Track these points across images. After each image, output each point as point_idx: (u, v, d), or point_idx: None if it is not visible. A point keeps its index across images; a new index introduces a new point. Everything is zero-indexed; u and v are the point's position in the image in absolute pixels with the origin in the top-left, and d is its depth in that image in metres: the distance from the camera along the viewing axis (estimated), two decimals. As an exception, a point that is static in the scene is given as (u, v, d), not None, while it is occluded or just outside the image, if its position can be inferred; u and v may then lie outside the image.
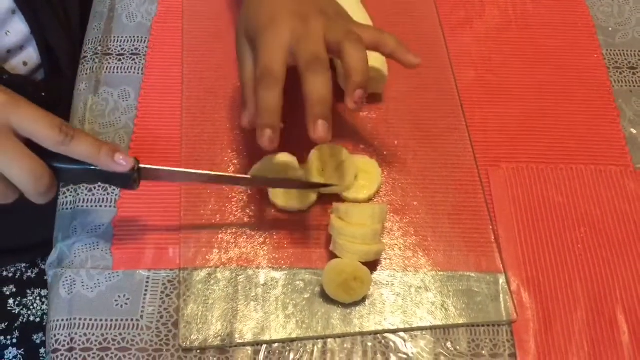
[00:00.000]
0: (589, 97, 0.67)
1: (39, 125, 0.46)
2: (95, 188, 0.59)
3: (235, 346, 0.52)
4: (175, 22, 0.69)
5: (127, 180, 0.50)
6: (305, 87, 0.48)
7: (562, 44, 0.70)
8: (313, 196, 0.58)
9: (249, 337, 0.52)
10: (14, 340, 0.76)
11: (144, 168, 0.51)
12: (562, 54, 0.69)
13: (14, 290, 0.81)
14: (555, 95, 0.67)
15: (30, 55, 0.71)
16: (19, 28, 0.68)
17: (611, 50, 0.70)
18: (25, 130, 0.46)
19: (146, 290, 0.54)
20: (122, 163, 0.48)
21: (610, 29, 0.72)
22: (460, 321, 0.53)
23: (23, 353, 0.75)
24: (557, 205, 0.59)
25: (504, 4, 0.73)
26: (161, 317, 0.53)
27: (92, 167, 0.48)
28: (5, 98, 0.46)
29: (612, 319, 0.54)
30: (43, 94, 0.72)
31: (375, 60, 0.59)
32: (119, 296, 0.54)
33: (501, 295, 0.55)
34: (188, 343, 0.52)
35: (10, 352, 0.76)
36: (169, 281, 0.55)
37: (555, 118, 0.65)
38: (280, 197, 0.57)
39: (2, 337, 0.76)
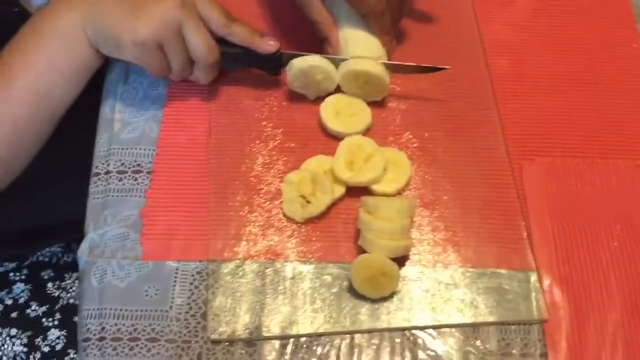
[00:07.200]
0: (627, 89, 0.64)
1: (211, 7, 0.57)
2: (125, 178, 0.60)
3: (263, 339, 0.52)
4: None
5: (273, 64, 0.61)
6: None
7: (600, 34, 0.68)
8: (341, 189, 0.58)
9: (276, 331, 0.52)
10: (56, 322, 0.78)
11: (285, 53, 0.60)
12: (599, 44, 0.67)
13: (52, 274, 0.82)
14: (591, 86, 0.65)
15: None
16: None
17: (652, 39, 0.68)
18: (203, 9, 0.57)
19: (175, 281, 0.55)
20: (270, 44, 0.59)
21: (651, 17, 0.69)
22: (490, 319, 0.53)
23: (65, 334, 0.77)
24: (593, 201, 0.58)
25: (540, -9, 0.71)
26: (190, 308, 0.54)
27: (247, 50, 0.59)
28: None
29: (647, 319, 0.53)
30: None
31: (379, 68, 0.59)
32: (149, 287, 0.55)
33: (532, 294, 0.54)
34: (216, 335, 0.52)
35: (53, 334, 0.77)
36: (198, 272, 0.55)
37: (592, 110, 0.63)
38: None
39: (44, 319, 0.78)
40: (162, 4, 0.55)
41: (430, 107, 0.63)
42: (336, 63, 0.60)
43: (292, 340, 0.52)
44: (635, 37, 0.68)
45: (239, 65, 0.62)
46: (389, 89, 0.61)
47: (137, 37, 0.54)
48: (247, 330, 0.52)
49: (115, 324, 0.53)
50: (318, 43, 0.62)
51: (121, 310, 0.54)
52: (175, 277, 0.55)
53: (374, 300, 0.53)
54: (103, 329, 0.53)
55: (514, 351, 0.52)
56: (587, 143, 0.61)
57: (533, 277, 0.54)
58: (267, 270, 0.55)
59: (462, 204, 0.58)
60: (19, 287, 0.81)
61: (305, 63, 0.59)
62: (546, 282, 0.54)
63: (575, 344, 0.52)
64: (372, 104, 0.62)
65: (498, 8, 0.69)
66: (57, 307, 0.79)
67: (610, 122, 0.62)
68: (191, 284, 0.55)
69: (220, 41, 0.59)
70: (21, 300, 0.80)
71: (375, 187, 0.57)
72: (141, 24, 0.54)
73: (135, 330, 0.53)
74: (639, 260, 0.55)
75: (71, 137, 0.73)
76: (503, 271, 0.55)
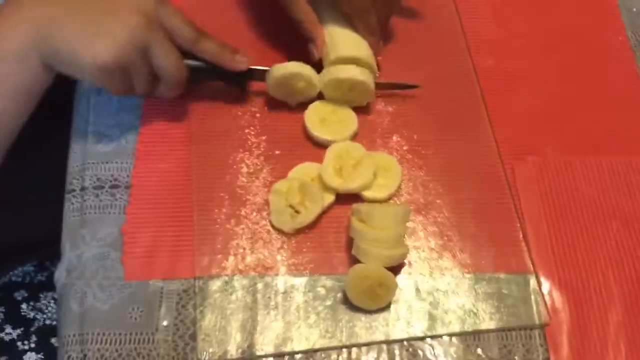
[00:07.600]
0: (616, 83, 0.64)
1: (179, 22, 0.54)
2: (102, 194, 0.57)
3: (256, 358, 0.50)
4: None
5: (241, 79, 0.58)
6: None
7: (585, 27, 0.67)
8: (330, 197, 0.55)
9: (270, 350, 0.50)
10: (32, 345, 0.75)
11: (254, 69, 0.58)
12: (585, 37, 0.66)
13: (26, 295, 0.79)
14: (579, 81, 0.64)
15: None
16: None
17: (637, 31, 0.67)
18: (171, 24, 0.53)
19: (161, 301, 0.52)
20: (241, 60, 0.56)
21: (634, 9, 0.69)
22: (491, 326, 0.51)
23: (42, 357, 0.74)
24: (587, 199, 0.57)
25: (523, -15, 0.69)
26: (177, 329, 0.51)
27: (214, 66, 0.56)
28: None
29: (649, 318, 0.52)
30: None
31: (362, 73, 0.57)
32: (133, 308, 0.52)
33: (532, 297, 0.52)
34: (207, 357, 0.49)
35: (29, 357, 0.74)
36: (184, 291, 0.52)
37: (582, 106, 0.62)
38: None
39: (19, 343, 0.74)
40: (126, 24, 0.50)
41: (418, 108, 0.61)
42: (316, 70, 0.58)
43: (286, 358, 0.50)
44: (620, 29, 0.67)
45: (205, 79, 0.58)
46: (374, 96, 0.59)
47: (98, 60, 0.49)
48: (240, 350, 0.50)
49: (99, 350, 0.50)
50: (298, 47, 0.59)
51: (104, 334, 0.51)
52: (161, 297, 0.52)
53: (370, 312, 0.51)
54: (85, 356, 0.50)
55: (516, 357, 0.50)
56: (578, 140, 0.60)
57: (532, 280, 0.53)
58: (257, 285, 0.52)
59: (455, 208, 0.56)
60: (-10, 310, 0.78)
61: (285, 70, 0.56)
62: (545, 284, 0.53)
63: (577, 347, 0.50)
64: (357, 107, 0.60)
65: (481, 4, 0.68)
66: (32, 329, 0.77)
67: (600, 118, 0.61)
68: (177, 303, 0.52)
69: (186, 55, 0.55)
70: (-6, 324, 0.77)
71: (366, 194, 0.55)
72: (104, 47, 0.49)
73: (119, 355, 0.50)
74: (636, 258, 0.54)
75: (40, 150, 0.70)
76: (501, 275, 0.53)
